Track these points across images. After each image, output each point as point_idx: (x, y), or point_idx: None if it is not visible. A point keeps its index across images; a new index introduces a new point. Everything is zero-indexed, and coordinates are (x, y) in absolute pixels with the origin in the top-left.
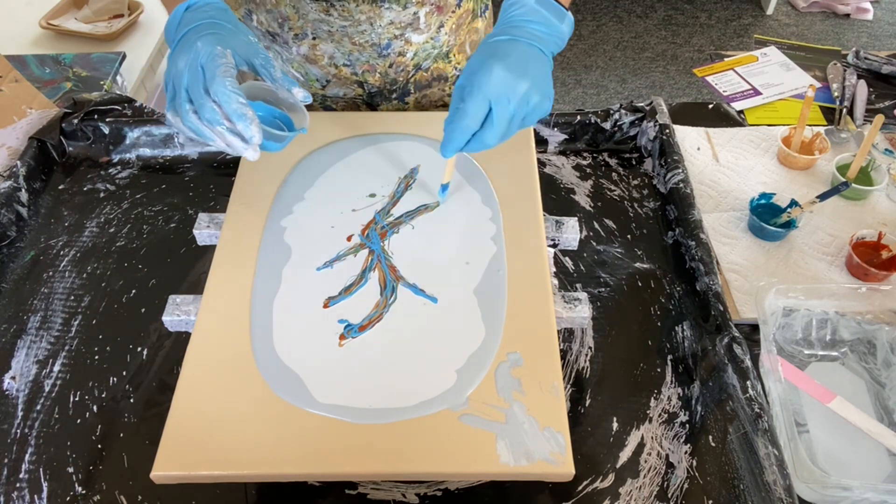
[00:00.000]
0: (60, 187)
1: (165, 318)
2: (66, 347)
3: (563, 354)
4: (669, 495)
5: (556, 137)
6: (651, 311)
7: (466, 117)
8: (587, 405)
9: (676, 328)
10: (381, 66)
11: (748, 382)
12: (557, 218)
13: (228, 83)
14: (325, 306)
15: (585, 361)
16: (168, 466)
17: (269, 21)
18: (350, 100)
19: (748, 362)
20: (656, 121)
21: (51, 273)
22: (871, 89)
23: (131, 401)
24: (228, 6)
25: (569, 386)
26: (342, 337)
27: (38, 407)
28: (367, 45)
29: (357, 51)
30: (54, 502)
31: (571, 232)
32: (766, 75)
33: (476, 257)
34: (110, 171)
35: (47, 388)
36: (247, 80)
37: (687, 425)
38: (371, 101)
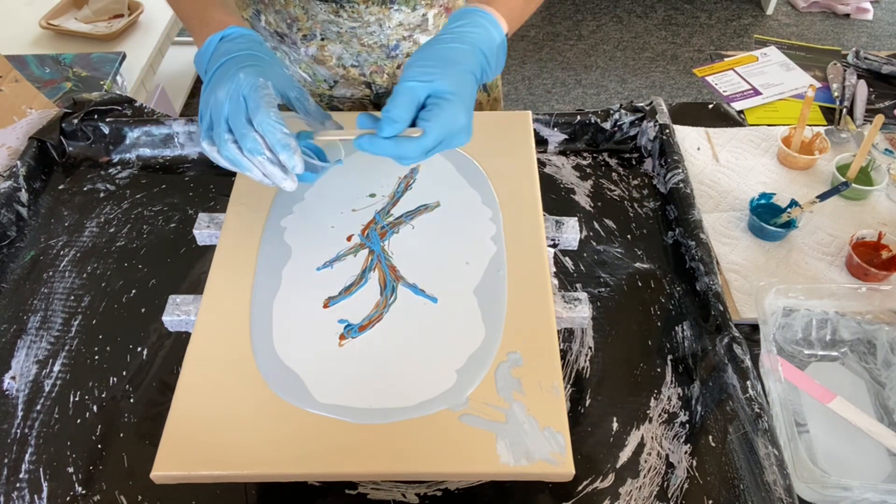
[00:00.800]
0: (60, 187)
1: (165, 318)
2: (66, 347)
3: (563, 354)
4: (669, 495)
5: (556, 137)
6: (651, 311)
7: (421, 147)
8: (587, 405)
9: (676, 328)
10: (390, 67)
11: (748, 382)
12: (557, 218)
13: (273, 114)
14: (325, 306)
15: (585, 361)
16: (168, 466)
17: (277, 21)
18: (357, 100)
19: (748, 362)
20: (656, 121)
21: (51, 273)
22: (871, 89)
23: (131, 401)
24: (260, 35)
25: (569, 386)
26: (342, 337)
27: (38, 407)
28: (375, 46)
29: (365, 52)
30: (54, 502)
31: (571, 232)
32: (766, 75)
33: (476, 257)
34: (110, 171)
35: (47, 388)
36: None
37: (687, 425)
38: (379, 102)
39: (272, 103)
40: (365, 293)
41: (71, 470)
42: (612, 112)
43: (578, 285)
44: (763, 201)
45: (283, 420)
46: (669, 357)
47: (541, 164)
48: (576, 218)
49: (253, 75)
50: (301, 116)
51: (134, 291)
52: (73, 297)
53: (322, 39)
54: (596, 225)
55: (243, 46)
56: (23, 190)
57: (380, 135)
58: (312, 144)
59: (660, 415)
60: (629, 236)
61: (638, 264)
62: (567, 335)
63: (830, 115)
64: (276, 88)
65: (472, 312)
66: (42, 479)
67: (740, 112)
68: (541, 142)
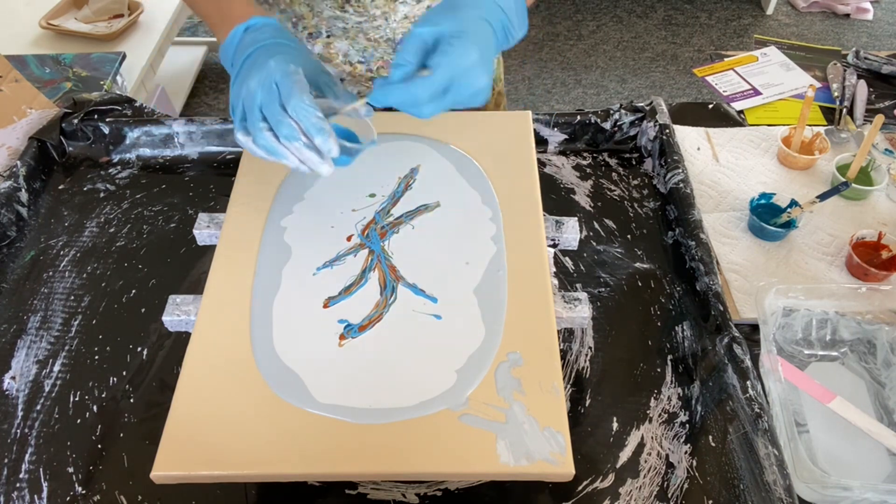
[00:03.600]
0: (60, 187)
1: (165, 318)
2: (66, 347)
3: (563, 354)
4: (669, 495)
5: (556, 137)
6: (651, 311)
7: (427, 87)
8: (587, 405)
9: (676, 328)
10: None
11: (748, 382)
12: (557, 218)
13: (307, 99)
14: (325, 306)
15: (585, 361)
16: (168, 466)
17: (282, 21)
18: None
19: (748, 362)
20: (656, 121)
21: (51, 273)
22: (871, 89)
23: (131, 401)
24: (283, 27)
25: (569, 386)
26: (342, 337)
27: (38, 407)
28: (381, 41)
29: (372, 47)
30: (54, 502)
31: (571, 232)
32: (766, 75)
33: (476, 257)
34: (110, 171)
35: (47, 388)
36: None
37: (687, 425)
38: None
39: (305, 88)
40: (365, 293)
41: (71, 470)
42: (612, 112)
43: (578, 285)
44: (763, 201)
45: (283, 420)
46: (669, 357)
47: (541, 164)
48: (576, 218)
49: (283, 62)
50: (332, 101)
51: (134, 291)
52: (73, 297)
53: (328, 37)
54: (596, 225)
55: (268, 35)
56: (23, 190)
57: (389, 80)
58: (343, 128)
59: (660, 415)
60: (629, 236)
61: (638, 264)
62: (567, 335)
63: (830, 115)
64: (306, 74)
65: (472, 312)
66: (42, 479)
67: (740, 112)
68: (541, 142)
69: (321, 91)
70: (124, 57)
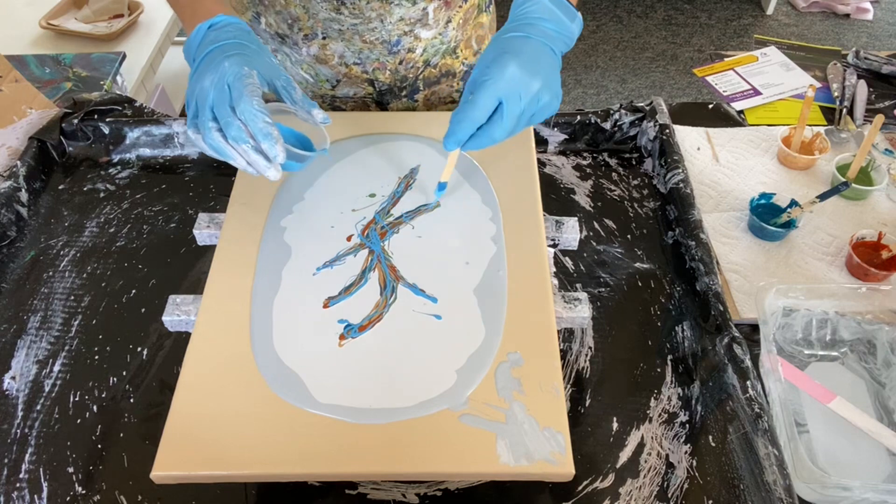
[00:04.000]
0: (60, 187)
1: (165, 318)
2: (66, 347)
3: (563, 354)
4: (669, 495)
5: (556, 137)
6: (651, 311)
7: (476, 109)
8: (587, 405)
9: (676, 328)
10: (392, 64)
11: (748, 382)
12: (557, 218)
13: (255, 102)
14: (325, 306)
15: (585, 361)
16: (168, 466)
17: (278, 23)
18: (360, 99)
19: (748, 362)
20: (656, 121)
21: (51, 273)
22: (871, 89)
23: (131, 401)
24: (249, 27)
25: (569, 386)
26: (342, 337)
27: (38, 407)
28: (377, 43)
29: (367, 48)
30: (54, 502)
31: (571, 232)
32: (766, 75)
33: (476, 257)
34: (110, 171)
35: (47, 388)
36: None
37: (687, 425)
38: (381, 100)
39: (256, 92)
40: (365, 293)
41: (71, 470)
42: (612, 112)
43: (578, 285)
44: (763, 201)
45: (283, 420)
46: (669, 357)
47: (541, 164)
48: (576, 218)
49: (237, 64)
50: (288, 105)
51: (134, 291)
52: (73, 297)
53: (324, 38)
54: (596, 225)
55: (230, 35)
56: (23, 190)
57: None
58: (298, 133)
59: (660, 415)
60: (629, 236)
61: (638, 264)
62: (567, 335)
63: (830, 115)
64: (262, 77)
65: (472, 312)
66: (42, 479)
67: (740, 112)
68: (541, 142)
69: (278, 94)
70: (124, 57)
